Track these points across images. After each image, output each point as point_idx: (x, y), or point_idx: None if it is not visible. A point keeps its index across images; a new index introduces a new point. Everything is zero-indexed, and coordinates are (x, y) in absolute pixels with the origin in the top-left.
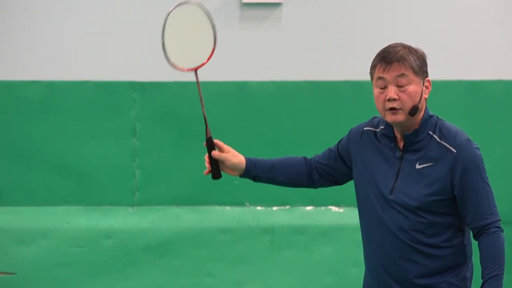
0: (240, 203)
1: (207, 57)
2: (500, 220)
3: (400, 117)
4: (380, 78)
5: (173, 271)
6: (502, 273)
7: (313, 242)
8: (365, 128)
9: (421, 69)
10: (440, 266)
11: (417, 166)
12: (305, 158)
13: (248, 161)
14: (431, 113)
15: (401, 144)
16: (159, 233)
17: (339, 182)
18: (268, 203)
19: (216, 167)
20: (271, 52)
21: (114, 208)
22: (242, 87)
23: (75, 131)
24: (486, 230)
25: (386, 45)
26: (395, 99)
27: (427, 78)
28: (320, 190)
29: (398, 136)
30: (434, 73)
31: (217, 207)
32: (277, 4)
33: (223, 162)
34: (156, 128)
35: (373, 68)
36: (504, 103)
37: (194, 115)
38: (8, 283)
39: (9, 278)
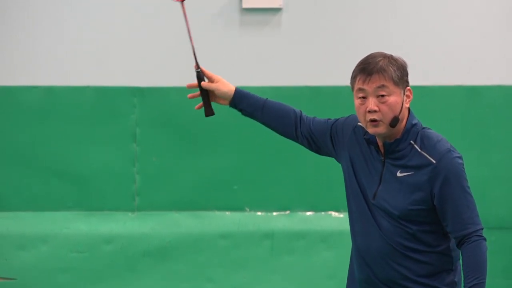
0: (240, 208)
1: None
2: (482, 228)
3: (381, 129)
4: (360, 89)
5: (173, 276)
6: (484, 282)
7: (313, 247)
8: (358, 124)
9: (401, 79)
10: (427, 270)
11: (398, 174)
12: (299, 112)
13: (237, 91)
14: (415, 121)
15: (382, 151)
16: (159, 238)
17: (319, 153)
18: (268, 208)
19: (208, 101)
20: (271, 57)
21: (114, 213)
22: None
23: (75, 136)
24: (468, 239)
25: (387, 50)
26: (375, 111)
27: (408, 87)
28: (320, 195)
29: (380, 143)
30: (434, 78)
31: (217, 212)
32: (277, 9)
33: (213, 92)
34: (156, 133)
35: (353, 79)
36: (503, 108)
37: (194, 120)
38: None
39: (9, 283)
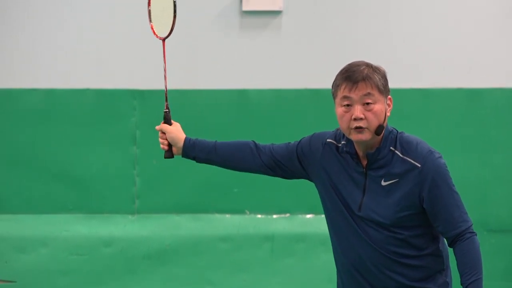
0: (240, 211)
1: (170, 29)
2: (472, 224)
3: (366, 135)
4: (345, 97)
5: (173, 279)
6: (481, 278)
7: (313, 250)
8: (328, 140)
9: (385, 88)
10: (419, 274)
11: (383, 183)
12: (253, 144)
13: (187, 140)
14: (390, 128)
15: (364, 162)
16: (159, 241)
17: (286, 178)
18: (268, 211)
19: (170, 146)
20: (271, 59)
21: (114, 216)
22: (241, 95)
23: (75, 138)
24: (461, 237)
25: (387, 52)
26: (361, 119)
27: (389, 97)
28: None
29: (360, 153)
30: (434, 80)
31: (217, 215)
32: (277, 12)
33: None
34: (156, 135)
35: (337, 87)
36: (503, 111)
37: (194, 123)
38: None
39: (9, 286)
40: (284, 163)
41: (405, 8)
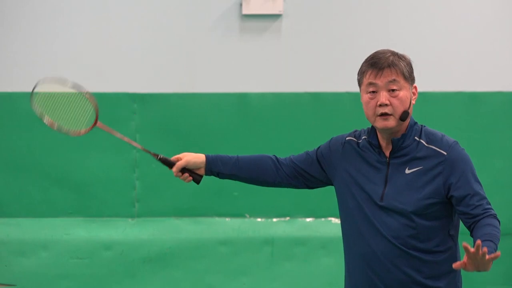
0: (240, 215)
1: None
2: (493, 211)
3: (391, 122)
4: (371, 83)
5: (173, 283)
6: (496, 247)
7: (313, 254)
8: (347, 138)
9: (410, 75)
10: (433, 272)
11: (407, 171)
12: (274, 157)
13: (209, 158)
14: (414, 120)
15: (387, 151)
16: (159, 245)
17: (310, 186)
18: (268, 214)
19: (190, 171)
20: (271, 63)
21: (114, 219)
22: (242, 98)
23: (75, 143)
24: (487, 213)
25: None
26: (386, 105)
27: (414, 85)
28: (320, 201)
29: (384, 143)
30: (435, 84)
31: (217, 219)
32: (277, 16)
33: (188, 168)
34: (156, 139)
35: (362, 73)
36: (504, 114)
37: (194, 126)
38: None
39: None
40: (306, 169)
41: (406, 13)
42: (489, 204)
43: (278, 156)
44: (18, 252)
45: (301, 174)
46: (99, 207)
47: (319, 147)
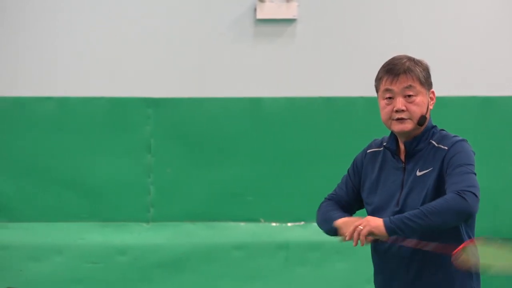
0: (255, 219)
1: None
2: (470, 191)
3: (407, 126)
4: (387, 90)
5: (187, 287)
6: (425, 213)
7: (328, 259)
8: (368, 151)
9: (427, 81)
10: (449, 276)
11: (418, 174)
12: (332, 200)
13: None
14: (433, 124)
15: (403, 156)
16: (173, 249)
17: (355, 211)
18: (282, 219)
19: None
20: (285, 68)
21: (128, 224)
22: (255, 103)
23: (89, 147)
24: (453, 190)
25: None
26: (403, 110)
27: (431, 90)
28: None
29: (402, 148)
30: (448, 89)
31: (232, 223)
32: (292, 20)
33: None
34: (171, 144)
35: (379, 80)
36: None
37: (208, 131)
38: None
39: None
40: (352, 197)
41: (419, 17)
42: (467, 182)
43: (331, 196)
44: (32, 257)
45: (350, 205)
46: (113, 211)
47: (348, 173)
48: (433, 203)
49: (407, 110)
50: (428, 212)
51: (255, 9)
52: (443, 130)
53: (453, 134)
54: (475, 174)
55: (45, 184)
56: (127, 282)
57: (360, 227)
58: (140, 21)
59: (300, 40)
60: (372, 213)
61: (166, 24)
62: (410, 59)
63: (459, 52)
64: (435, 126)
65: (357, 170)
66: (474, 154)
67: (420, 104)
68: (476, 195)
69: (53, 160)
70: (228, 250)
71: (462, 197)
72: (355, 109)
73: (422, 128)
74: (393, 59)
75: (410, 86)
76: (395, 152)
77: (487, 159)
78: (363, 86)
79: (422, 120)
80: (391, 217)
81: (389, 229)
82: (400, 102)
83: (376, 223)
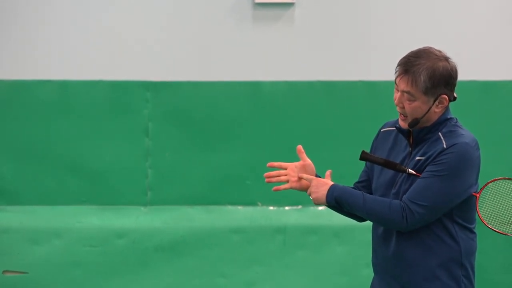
0: (252, 203)
1: None
2: (415, 203)
3: (404, 124)
4: (395, 82)
5: (185, 271)
6: (358, 210)
7: (326, 242)
8: (382, 130)
9: (431, 90)
10: (424, 252)
11: (416, 158)
12: (360, 189)
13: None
14: (450, 116)
15: (411, 140)
16: (171, 233)
17: None
18: (280, 203)
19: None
20: (284, 52)
21: (126, 207)
22: (254, 87)
23: (88, 131)
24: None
25: (400, 45)
26: (401, 107)
27: (443, 96)
28: None
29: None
30: None
31: (230, 207)
32: (290, 4)
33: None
34: (169, 128)
35: (396, 67)
36: None
37: (207, 115)
38: (21, 282)
39: (21, 277)
40: (371, 171)
41: (419, 3)
42: (425, 197)
43: (358, 184)
44: (31, 239)
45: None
46: (111, 195)
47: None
48: (378, 201)
49: (405, 108)
50: (367, 207)
51: None
52: (457, 124)
53: (463, 132)
54: (458, 181)
55: (44, 167)
56: (125, 266)
57: (308, 192)
58: (138, 4)
59: (299, 24)
60: (375, 190)
61: (165, 7)
62: (429, 60)
63: (458, 36)
64: (451, 118)
65: (372, 150)
66: (478, 157)
67: (415, 108)
68: (422, 209)
69: (52, 144)
70: (226, 234)
71: (403, 214)
72: (354, 93)
73: (431, 119)
74: (412, 52)
75: (409, 92)
76: (406, 135)
77: (488, 144)
78: (363, 70)
79: (413, 123)
80: (335, 191)
81: (329, 203)
82: (397, 98)
83: (318, 195)
